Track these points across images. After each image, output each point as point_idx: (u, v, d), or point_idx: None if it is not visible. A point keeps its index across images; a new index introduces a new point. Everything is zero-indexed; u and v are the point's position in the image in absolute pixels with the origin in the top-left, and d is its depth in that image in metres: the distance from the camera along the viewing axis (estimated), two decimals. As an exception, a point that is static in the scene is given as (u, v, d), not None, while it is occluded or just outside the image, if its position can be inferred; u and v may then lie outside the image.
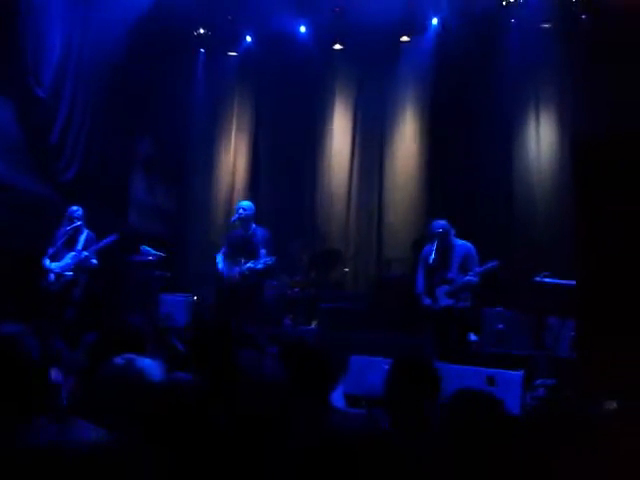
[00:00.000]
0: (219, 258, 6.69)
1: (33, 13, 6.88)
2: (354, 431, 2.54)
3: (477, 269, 5.82)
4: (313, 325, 7.77)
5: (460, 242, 5.98)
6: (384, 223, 9.00)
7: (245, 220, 6.58)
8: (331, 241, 9.03)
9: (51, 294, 6.12)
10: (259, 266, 6.44)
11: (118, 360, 2.48)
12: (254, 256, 6.48)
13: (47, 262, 6.16)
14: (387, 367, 2.78)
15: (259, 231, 6.61)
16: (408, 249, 8.09)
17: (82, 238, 6.25)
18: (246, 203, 6.77)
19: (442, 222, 5.97)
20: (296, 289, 8.22)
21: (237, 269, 6.51)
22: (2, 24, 6.53)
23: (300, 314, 8.03)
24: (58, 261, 6.17)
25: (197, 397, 2.14)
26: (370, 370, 4.70)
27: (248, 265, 6.44)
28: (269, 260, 6.47)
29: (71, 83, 7.56)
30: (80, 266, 6.19)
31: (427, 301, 5.99)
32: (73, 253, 6.19)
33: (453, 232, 5.98)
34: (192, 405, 2.12)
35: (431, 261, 5.85)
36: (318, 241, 9.02)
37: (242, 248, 6.55)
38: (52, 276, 6.12)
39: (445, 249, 5.91)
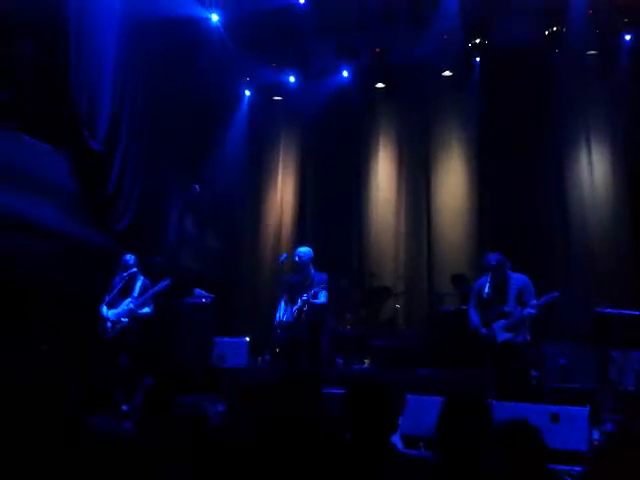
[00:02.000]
0: (281, 307, 6.65)
1: (86, 65, 7.15)
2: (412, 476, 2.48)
3: (536, 301, 5.59)
4: (366, 364, 7.66)
5: (515, 275, 5.79)
6: (434, 258, 8.90)
7: (303, 266, 6.50)
8: (380, 278, 8.95)
9: (107, 341, 6.22)
10: (318, 300, 6.36)
11: (184, 400, 2.52)
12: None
13: (104, 310, 6.29)
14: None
15: (317, 276, 6.52)
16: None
17: (138, 285, 6.37)
18: (304, 249, 6.66)
19: (496, 255, 5.80)
20: (347, 327, 8.16)
21: (294, 308, 6.47)
22: (56, 77, 6.83)
23: (352, 353, 7.94)
24: (114, 308, 6.30)
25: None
26: (427, 409, 4.59)
27: (303, 298, 6.36)
28: (318, 297, 6.39)
29: (125, 134, 7.81)
30: (136, 313, 6.29)
31: (485, 331, 5.75)
32: (129, 300, 6.30)
33: (509, 265, 5.80)
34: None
35: (485, 295, 5.68)
36: (367, 278, 8.96)
37: (301, 292, 6.48)
38: (109, 323, 6.24)
39: (500, 282, 5.72)
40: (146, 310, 6.36)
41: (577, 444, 4.16)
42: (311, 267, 6.52)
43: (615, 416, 4.73)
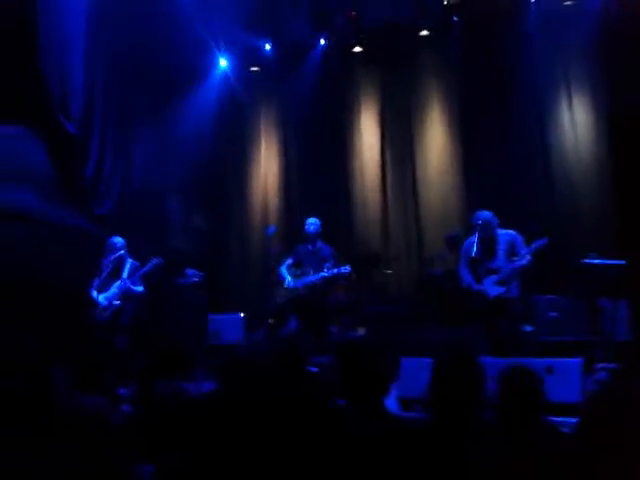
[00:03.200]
0: (283, 270, 6.96)
1: (56, 47, 6.99)
2: (407, 437, 2.49)
3: (526, 249, 5.62)
4: (361, 331, 7.69)
5: (503, 231, 5.81)
6: (422, 220, 8.89)
7: (313, 235, 6.85)
8: (370, 244, 8.95)
9: (101, 324, 6.20)
10: (334, 272, 6.67)
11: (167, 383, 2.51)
12: (322, 268, 6.74)
13: (94, 293, 6.26)
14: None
15: (325, 247, 6.88)
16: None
17: (127, 267, 6.34)
18: (313, 219, 6.96)
19: (484, 213, 5.79)
20: (339, 294, 8.17)
21: (306, 280, 6.77)
22: (26, 63, 6.68)
23: (345, 320, 7.97)
24: (105, 292, 6.26)
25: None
26: (421, 371, 4.61)
27: (322, 274, 6.67)
28: (344, 269, 6.68)
29: (100, 116, 7.69)
30: (127, 294, 6.27)
31: (477, 287, 5.78)
32: (119, 282, 6.27)
33: (497, 222, 5.80)
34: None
35: (473, 254, 5.71)
36: (357, 245, 8.95)
37: (310, 262, 6.82)
38: (101, 307, 6.21)
39: (489, 240, 5.75)
40: (139, 289, 6.34)
41: (571, 396, 4.20)
42: (319, 237, 6.89)
43: (609, 365, 4.77)
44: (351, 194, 9.33)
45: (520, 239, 5.75)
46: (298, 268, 6.91)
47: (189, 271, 8.13)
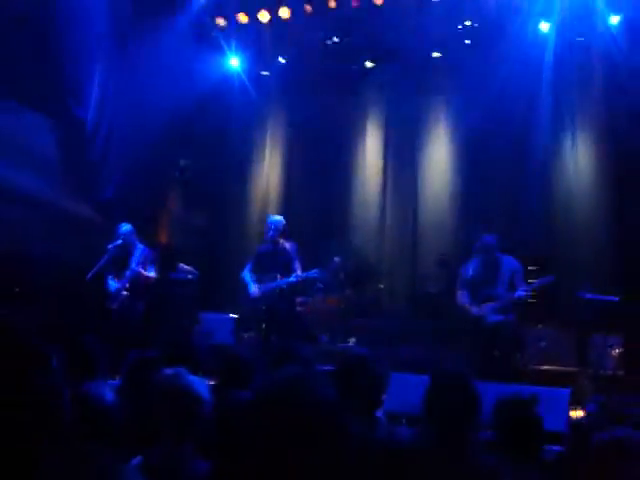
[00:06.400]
0: (246, 274, 6.57)
1: (72, 32, 7.01)
2: (403, 444, 2.52)
3: (530, 284, 5.59)
4: (351, 342, 7.70)
5: (506, 257, 5.78)
6: (419, 239, 8.94)
7: (274, 235, 6.44)
8: (365, 257, 8.97)
9: (112, 312, 6.15)
10: (302, 277, 6.31)
11: (168, 371, 2.52)
12: (287, 270, 6.35)
13: (109, 280, 6.20)
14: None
15: (288, 244, 6.49)
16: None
17: (137, 253, 6.27)
18: (276, 218, 6.66)
19: (492, 236, 5.76)
20: (331, 306, 8.18)
21: (273, 285, 6.38)
22: (40, 45, 6.69)
23: (335, 331, 7.97)
24: (114, 278, 6.22)
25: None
26: (411, 388, 4.63)
27: (290, 280, 6.30)
28: (314, 273, 6.39)
29: (111, 103, 7.69)
30: (137, 280, 6.20)
31: (476, 310, 5.72)
32: (128, 269, 6.20)
33: (498, 246, 5.81)
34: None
35: (476, 277, 5.66)
36: (352, 257, 8.97)
37: (274, 263, 6.40)
38: (110, 293, 6.16)
39: (491, 264, 5.71)
40: (151, 274, 6.30)
41: (557, 425, 4.23)
42: (281, 236, 6.47)
43: (596, 397, 4.82)
44: (350, 205, 9.37)
45: (522, 271, 5.70)
46: (259, 271, 6.52)
47: (183, 267, 8.10)
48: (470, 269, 5.81)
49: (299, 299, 7.52)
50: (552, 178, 8.32)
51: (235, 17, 8.81)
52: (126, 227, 6.33)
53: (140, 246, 6.33)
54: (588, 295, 5.89)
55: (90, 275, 6.12)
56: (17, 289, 5.65)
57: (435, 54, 8.91)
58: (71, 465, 0.90)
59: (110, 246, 6.23)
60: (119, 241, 6.25)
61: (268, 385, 1.36)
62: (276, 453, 1.28)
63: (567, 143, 8.34)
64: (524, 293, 5.54)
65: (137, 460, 2.42)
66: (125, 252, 6.26)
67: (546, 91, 8.24)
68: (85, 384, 2.69)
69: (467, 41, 8.73)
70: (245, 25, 8.90)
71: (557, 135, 8.39)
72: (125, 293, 6.16)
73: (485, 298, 5.71)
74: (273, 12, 8.70)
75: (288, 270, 6.35)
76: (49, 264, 6.28)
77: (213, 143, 9.47)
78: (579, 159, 8.25)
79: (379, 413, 4.27)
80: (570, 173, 8.24)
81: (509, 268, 5.68)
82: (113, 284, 6.20)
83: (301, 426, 1.33)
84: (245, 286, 6.51)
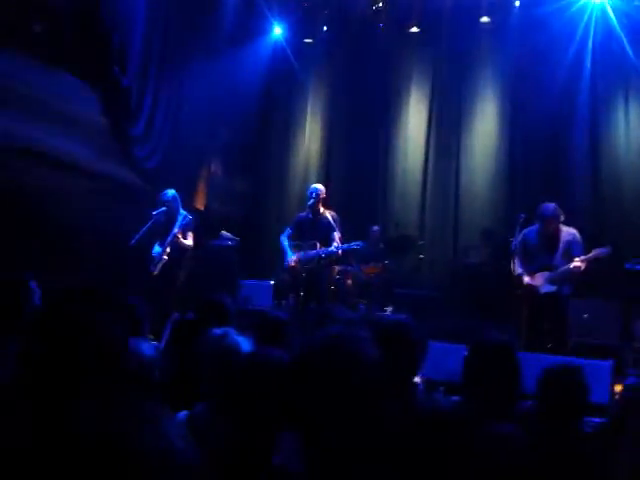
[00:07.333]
0: (284, 239, 6.51)
1: (116, 3, 7.07)
2: (444, 410, 2.52)
3: (587, 255, 5.35)
4: (388, 311, 7.73)
5: (566, 228, 5.54)
6: (461, 209, 8.82)
7: (313, 204, 6.35)
8: (406, 227, 8.92)
9: (154, 277, 6.29)
10: (345, 248, 6.22)
11: (216, 331, 2.57)
12: (326, 239, 6.28)
13: (155, 247, 6.33)
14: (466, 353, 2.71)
15: (329, 213, 6.40)
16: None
17: (179, 220, 6.36)
18: (317, 186, 6.57)
19: (552, 205, 5.49)
20: (370, 275, 8.20)
21: (313, 253, 6.32)
22: (88, 15, 6.76)
23: (374, 299, 8.00)
24: (157, 244, 6.35)
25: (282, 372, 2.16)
26: (449, 356, 4.64)
27: (331, 250, 6.21)
28: (356, 245, 6.31)
29: (155, 73, 7.75)
30: (175, 247, 6.31)
31: (530, 280, 5.53)
32: (170, 234, 6.30)
33: (562, 218, 5.49)
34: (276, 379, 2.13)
35: (533, 245, 5.46)
36: (392, 227, 8.94)
37: (313, 231, 6.34)
38: (154, 258, 6.29)
39: (551, 234, 5.48)
40: (188, 242, 6.41)
41: (599, 397, 4.19)
42: (321, 204, 6.40)
43: (637, 371, 4.75)
44: (392, 175, 9.30)
45: (580, 242, 5.49)
46: (298, 239, 6.44)
47: (224, 234, 8.20)
48: (528, 237, 5.61)
49: (338, 268, 7.53)
50: (601, 150, 8.08)
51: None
52: (170, 194, 6.41)
53: (183, 213, 6.42)
54: (637, 266, 5.74)
55: (134, 241, 6.23)
56: (63, 256, 5.80)
57: (483, 19, 8.67)
58: (126, 406, 0.94)
59: (154, 212, 6.33)
60: (163, 208, 6.34)
61: (313, 342, 1.38)
62: (318, 409, 1.31)
63: (618, 114, 8.06)
64: (580, 264, 5.32)
65: (182, 415, 2.47)
66: (169, 219, 6.35)
67: (596, 57, 7.97)
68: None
69: (517, 3, 8.49)
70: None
71: (607, 105, 8.13)
72: (165, 258, 6.26)
73: (541, 267, 5.53)
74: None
75: (327, 239, 6.27)
76: (94, 231, 6.43)
77: (255, 112, 9.49)
78: (630, 130, 7.98)
79: (416, 379, 4.31)
80: (620, 144, 7.99)
81: (567, 239, 5.46)
82: (157, 249, 6.33)
83: (346, 381, 1.35)
84: (283, 252, 6.49)
